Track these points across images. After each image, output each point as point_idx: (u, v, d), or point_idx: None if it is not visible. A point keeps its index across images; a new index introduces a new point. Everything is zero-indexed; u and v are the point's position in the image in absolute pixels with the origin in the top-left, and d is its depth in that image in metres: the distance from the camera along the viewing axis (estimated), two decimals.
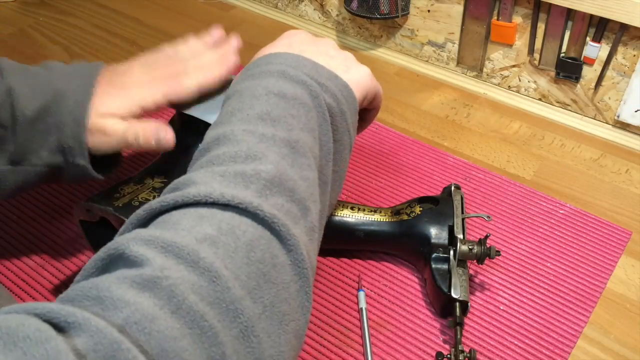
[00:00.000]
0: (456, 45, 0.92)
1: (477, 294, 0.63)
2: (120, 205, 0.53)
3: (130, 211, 0.52)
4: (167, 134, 0.55)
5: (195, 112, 0.57)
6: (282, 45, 0.53)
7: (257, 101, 0.45)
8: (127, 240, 0.34)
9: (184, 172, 0.59)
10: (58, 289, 0.63)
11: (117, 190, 0.56)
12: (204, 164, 0.42)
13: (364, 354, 0.58)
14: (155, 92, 0.55)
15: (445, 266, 0.60)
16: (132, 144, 0.54)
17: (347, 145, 0.51)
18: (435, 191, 0.74)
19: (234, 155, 0.41)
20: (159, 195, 0.55)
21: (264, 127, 0.43)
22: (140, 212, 0.38)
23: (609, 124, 0.84)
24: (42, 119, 0.52)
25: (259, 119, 0.43)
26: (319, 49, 0.53)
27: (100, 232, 0.59)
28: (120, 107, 0.54)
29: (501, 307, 0.62)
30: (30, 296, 0.62)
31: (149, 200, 0.54)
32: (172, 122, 0.64)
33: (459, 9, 0.88)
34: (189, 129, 0.61)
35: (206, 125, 0.56)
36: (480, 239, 0.60)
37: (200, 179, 0.39)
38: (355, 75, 0.53)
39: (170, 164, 0.60)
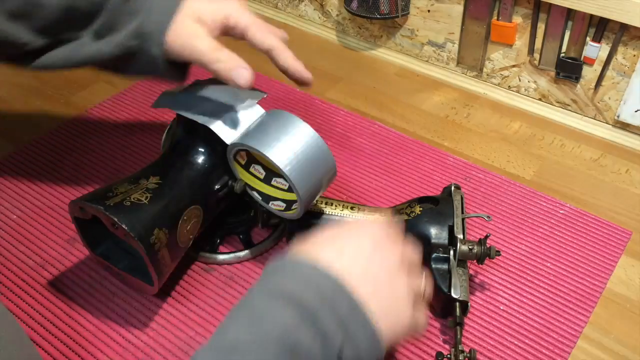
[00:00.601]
0: (456, 45, 0.92)
1: (477, 294, 0.63)
2: (112, 204, 0.53)
3: (121, 211, 0.53)
4: (248, 74, 0.53)
5: (194, 115, 0.57)
6: (347, 257, 0.43)
7: (262, 347, 0.38)
8: None
9: (179, 175, 0.59)
10: (58, 289, 0.63)
11: (110, 189, 0.56)
12: None
13: None
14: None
15: (445, 266, 0.60)
16: (209, 65, 0.54)
17: None
18: (435, 191, 0.74)
19: None
20: (151, 196, 0.55)
21: None
22: None
23: (609, 124, 0.84)
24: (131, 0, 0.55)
25: None
26: (389, 287, 0.44)
27: (94, 229, 0.60)
28: (208, 12, 0.55)
29: (501, 307, 0.62)
30: (30, 296, 0.62)
31: (141, 200, 0.54)
32: (171, 125, 0.64)
33: (459, 9, 0.88)
34: (187, 131, 0.61)
35: (205, 129, 0.56)
36: (480, 239, 0.60)
37: None
38: (401, 327, 0.44)
39: (166, 165, 0.60)
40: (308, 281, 0.41)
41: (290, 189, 0.58)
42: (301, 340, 0.38)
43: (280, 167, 0.53)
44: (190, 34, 0.55)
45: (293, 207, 0.58)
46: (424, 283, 0.48)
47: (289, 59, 0.57)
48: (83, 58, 0.57)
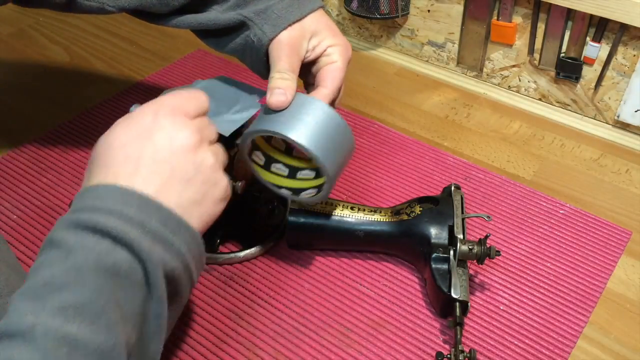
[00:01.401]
0: (456, 45, 0.92)
1: (477, 294, 0.63)
2: None
3: None
4: (280, 98, 0.53)
5: None
6: (133, 156, 0.42)
7: (79, 279, 0.37)
8: None
9: None
10: None
11: None
12: None
13: None
14: None
15: (445, 266, 0.60)
16: (271, 73, 0.55)
17: (185, 296, 0.44)
18: (435, 191, 0.74)
19: None
20: None
21: (78, 327, 0.35)
22: None
23: (609, 124, 0.84)
24: None
25: (76, 312, 0.35)
26: (174, 173, 0.43)
27: None
28: None
29: (501, 307, 0.62)
30: None
31: None
32: None
33: (459, 9, 0.88)
34: None
35: None
36: (480, 239, 0.60)
37: None
38: (205, 216, 0.45)
39: None
40: (114, 201, 0.40)
41: (317, 176, 0.58)
42: (118, 261, 0.38)
43: (307, 147, 0.51)
44: (295, 42, 0.55)
45: (323, 188, 0.57)
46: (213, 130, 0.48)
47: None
48: (207, 21, 0.58)
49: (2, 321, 0.35)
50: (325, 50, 0.58)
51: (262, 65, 0.58)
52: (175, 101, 0.46)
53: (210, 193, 0.45)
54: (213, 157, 0.46)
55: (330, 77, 0.57)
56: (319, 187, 0.58)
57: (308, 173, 0.59)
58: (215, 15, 0.58)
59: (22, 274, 0.50)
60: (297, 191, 0.59)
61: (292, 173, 0.60)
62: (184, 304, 0.44)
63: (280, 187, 0.59)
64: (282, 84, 0.53)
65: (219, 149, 0.48)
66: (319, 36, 0.57)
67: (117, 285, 0.38)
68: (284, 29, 0.55)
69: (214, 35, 0.61)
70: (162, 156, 0.43)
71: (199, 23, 0.59)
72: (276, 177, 0.60)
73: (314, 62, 0.58)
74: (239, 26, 0.58)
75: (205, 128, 0.47)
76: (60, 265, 0.37)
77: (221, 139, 0.55)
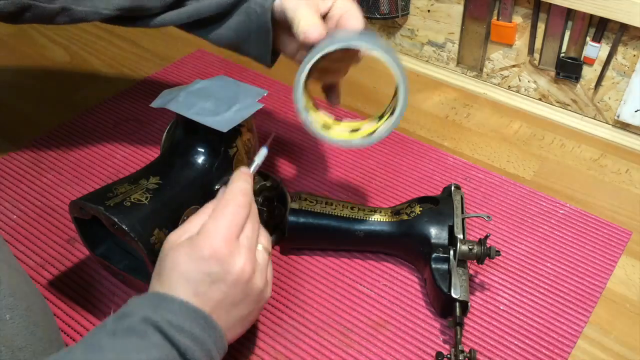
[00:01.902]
0: (456, 45, 0.92)
1: (477, 294, 0.63)
2: (112, 205, 0.53)
3: (121, 211, 0.53)
4: (316, 32, 0.55)
5: (194, 115, 0.57)
6: (192, 280, 0.47)
7: None
8: None
9: (179, 175, 0.59)
10: (58, 289, 0.63)
11: (110, 189, 0.56)
12: None
13: None
14: None
15: (445, 266, 0.60)
16: (295, 26, 0.56)
17: None
18: (435, 191, 0.74)
19: None
20: (151, 196, 0.55)
21: None
22: None
23: (609, 124, 0.84)
24: None
25: None
26: (226, 299, 0.48)
27: (95, 229, 0.60)
28: None
29: (501, 307, 0.62)
30: None
31: (141, 200, 0.54)
32: (171, 125, 0.64)
33: (459, 9, 0.88)
34: (187, 131, 0.61)
35: (205, 129, 0.56)
36: (480, 239, 0.60)
37: None
38: (245, 327, 0.51)
39: (166, 165, 0.60)
40: (185, 323, 0.45)
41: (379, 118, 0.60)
42: None
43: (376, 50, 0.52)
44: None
45: (398, 101, 0.58)
46: (265, 240, 0.52)
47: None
48: (197, 11, 0.60)
49: None
50: (335, 2, 0.58)
51: (268, 40, 0.59)
52: (225, 225, 0.48)
53: (255, 309, 0.51)
54: (261, 277, 0.50)
55: (352, 19, 0.57)
56: (380, 118, 0.60)
57: (367, 126, 0.60)
58: (209, 1, 0.59)
59: (22, 274, 0.50)
60: (372, 136, 0.59)
61: (355, 129, 0.60)
62: None
63: (350, 142, 0.58)
64: (312, 20, 0.55)
65: (264, 254, 0.51)
66: None
67: None
68: None
69: (213, 23, 0.61)
70: (218, 287, 0.47)
71: (197, 11, 0.60)
72: (345, 134, 0.59)
73: (324, 16, 0.59)
74: (237, 2, 0.58)
75: (252, 242, 0.50)
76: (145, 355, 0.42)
77: (221, 135, 0.55)
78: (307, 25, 0.54)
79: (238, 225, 0.49)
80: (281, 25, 0.59)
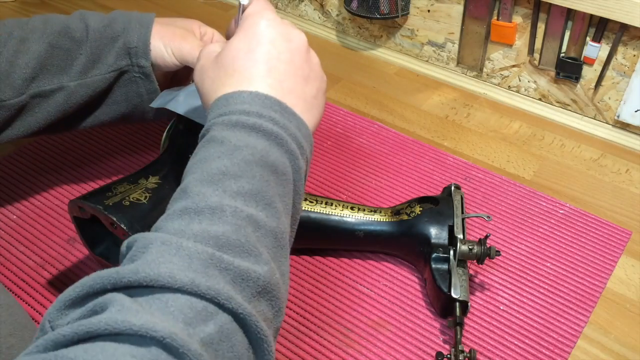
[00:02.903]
0: (456, 45, 0.92)
1: (477, 294, 0.63)
2: (111, 204, 0.53)
3: (119, 210, 0.53)
4: None
5: (194, 115, 0.57)
6: (261, 60, 0.45)
7: (249, 171, 0.40)
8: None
9: (179, 174, 0.59)
10: (58, 289, 0.63)
11: (110, 189, 0.56)
12: (183, 225, 0.36)
13: None
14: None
15: (445, 266, 0.60)
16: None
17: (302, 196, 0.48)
18: (435, 191, 0.74)
19: (227, 242, 0.36)
20: (150, 196, 0.55)
21: (256, 210, 0.39)
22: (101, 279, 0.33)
23: (609, 124, 0.84)
24: (110, 26, 0.60)
25: (253, 199, 0.39)
26: (296, 72, 0.47)
27: (93, 229, 0.60)
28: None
29: (501, 307, 0.62)
30: (30, 296, 0.62)
31: (140, 200, 0.54)
32: (171, 125, 0.64)
33: (459, 9, 0.88)
34: (187, 131, 0.61)
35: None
36: (480, 239, 0.60)
37: (177, 259, 0.34)
38: (320, 110, 0.49)
39: (166, 165, 0.60)
40: (260, 106, 0.43)
41: None
42: (277, 159, 0.42)
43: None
44: (174, 35, 0.60)
45: None
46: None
47: None
48: (77, 101, 0.61)
49: (182, 201, 0.38)
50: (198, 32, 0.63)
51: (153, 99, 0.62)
52: (267, 6, 0.48)
53: (321, 87, 0.49)
54: (297, 35, 0.48)
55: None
56: None
57: None
58: (90, 81, 0.61)
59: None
60: None
61: None
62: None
63: None
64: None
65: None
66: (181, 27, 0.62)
67: (277, 180, 0.41)
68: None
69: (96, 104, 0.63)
70: (285, 57, 0.46)
71: (71, 106, 0.61)
72: None
73: None
74: (118, 76, 0.61)
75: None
76: (230, 158, 0.40)
77: None
78: None
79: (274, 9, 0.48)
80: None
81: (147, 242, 0.35)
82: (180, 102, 0.59)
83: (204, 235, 0.36)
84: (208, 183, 0.39)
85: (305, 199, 0.64)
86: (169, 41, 0.59)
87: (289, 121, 0.44)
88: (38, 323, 0.60)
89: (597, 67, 0.80)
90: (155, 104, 0.61)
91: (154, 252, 0.34)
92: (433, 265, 0.60)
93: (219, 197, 0.38)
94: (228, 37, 0.54)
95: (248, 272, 0.36)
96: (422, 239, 0.62)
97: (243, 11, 0.49)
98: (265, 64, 0.45)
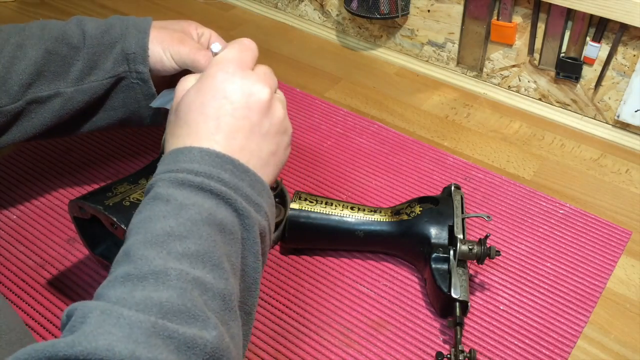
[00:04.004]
0: (456, 45, 0.92)
1: (477, 294, 0.63)
2: (111, 204, 0.53)
3: (120, 211, 0.53)
4: None
5: None
6: (212, 116, 0.44)
7: (196, 231, 0.39)
8: None
9: None
10: (58, 289, 0.63)
11: (110, 189, 0.56)
12: (125, 292, 0.35)
13: None
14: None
15: (445, 266, 0.60)
16: (195, 63, 0.58)
17: (266, 254, 0.46)
18: (435, 191, 0.74)
19: (172, 309, 0.34)
20: None
21: (203, 272, 0.37)
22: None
23: (609, 124, 0.84)
24: (108, 32, 0.59)
25: (199, 260, 0.38)
26: (252, 128, 0.45)
27: (94, 229, 0.60)
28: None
29: (501, 307, 0.62)
30: (30, 296, 0.62)
31: (140, 200, 0.54)
32: None
33: (459, 9, 0.88)
34: None
35: None
36: (480, 239, 0.60)
37: (117, 330, 0.32)
38: (280, 165, 0.48)
39: None
40: (210, 165, 0.42)
41: None
42: (224, 218, 0.40)
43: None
44: (172, 39, 0.59)
45: None
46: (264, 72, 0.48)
47: None
48: (73, 107, 0.60)
49: (125, 266, 0.37)
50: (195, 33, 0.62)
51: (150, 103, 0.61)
52: (236, 56, 0.47)
53: (282, 142, 0.48)
54: (282, 107, 0.48)
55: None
56: None
57: None
58: (87, 87, 0.60)
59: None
60: None
61: None
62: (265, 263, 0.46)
63: None
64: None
65: (282, 95, 0.49)
66: (177, 30, 0.61)
67: (225, 239, 0.40)
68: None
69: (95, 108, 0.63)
70: (240, 113, 0.44)
71: (69, 112, 0.61)
72: None
73: None
74: (115, 82, 0.61)
75: (268, 77, 0.47)
76: (176, 218, 0.39)
77: None
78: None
79: (248, 58, 0.46)
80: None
81: (87, 312, 0.33)
82: None
83: (146, 303, 0.34)
84: (152, 245, 0.37)
85: (305, 199, 0.64)
86: (168, 45, 0.59)
87: (241, 179, 0.42)
88: (36, 322, 0.60)
89: (597, 67, 0.80)
90: (154, 103, 0.61)
91: (92, 323, 0.32)
92: (433, 265, 0.60)
93: (163, 260, 0.36)
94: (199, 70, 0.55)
95: (194, 339, 0.34)
96: (422, 239, 0.62)
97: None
98: (215, 119, 0.43)
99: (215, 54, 0.49)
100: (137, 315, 0.33)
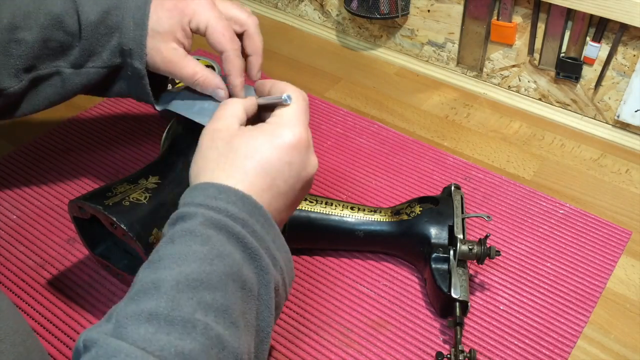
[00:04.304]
0: (456, 45, 0.92)
1: (477, 294, 0.63)
2: (110, 204, 0.53)
3: (119, 211, 0.53)
4: (224, 94, 0.56)
5: (194, 115, 0.57)
6: (270, 175, 0.45)
7: (224, 285, 0.39)
8: None
9: (179, 175, 0.59)
10: (58, 289, 0.63)
11: (109, 189, 0.56)
12: (150, 333, 0.35)
13: None
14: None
15: (445, 266, 0.60)
16: (187, 82, 0.57)
17: (281, 308, 0.46)
18: (435, 191, 0.74)
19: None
20: (150, 196, 0.55)
21: (224, 329, 0.38)
22: None
23: (609, 124, 0.84)
24: (104, 22, 0.57)
25: (222, 315, 0.38)
26: (290, 195, 0.46)
27: (93, 229, 0.60)
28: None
29: (501, 307, 0.62)
30: (30, 296, 0.62)
31: (140, 200, 0.54)
32: (171, 125, 0.64)
33: (459, 9, 0.88)
34: (187, 131, 0.61)
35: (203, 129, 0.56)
36: (480, 239, 0.60)
37: None
38: (298, 204, 0.49)
39: (166, 165, 0.60)
40: (248, 214, 0.42)
41: None
42: (247, 276, 0.41)
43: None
44: (168, 49, 0.56)
45: None
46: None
47: (232, 69, 0.56)
48: (73, 89, 0.60)
49: (153, 300, 0.37)
50: (192, 27, 0.57)
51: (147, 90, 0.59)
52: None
53: (304, 193, 0.49)
54: (313, 165, 0.48)
55: (214, 42, 0.56)
56: None
57: None
58: (84, 73, 0.59)
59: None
60: None
61: None
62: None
63: None
64: (210, 83, 0.56)
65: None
66: (172, 25, 0.57)
67: (244, 296, 0.40)
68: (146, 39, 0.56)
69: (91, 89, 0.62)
70: (290, 182, 0.46)
71: (65, 96, 0.60)
72: None
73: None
74: (115, 70, 0.59)
75: (308, 133, 0.48)
76: (211, 265, 0.39)
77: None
78: (208, 87, 0.56)
79: (307, 117, 0.47)
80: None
81: (110, 354, 0.33)
82: (181, 102, 0.59)
83: (170, 352, 0.35)
84: (184, 288, 0.38)
85: (305, 199, 0.64)
86: (164, 55, 0.57)
87: (267, 233, 0.43)
88: (36, 322, 0.60)
89: (597, 67, 0.80)
90: (158, 107, 0.61)
91: None
92: (433, 265, 0.60)
93: (192, 309, 0.37)
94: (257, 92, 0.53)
95: None
96: (422, 239, 0.62)
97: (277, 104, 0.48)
98: (271, 180, 0.44)
99: (282, 104, 0.48)
100: None
